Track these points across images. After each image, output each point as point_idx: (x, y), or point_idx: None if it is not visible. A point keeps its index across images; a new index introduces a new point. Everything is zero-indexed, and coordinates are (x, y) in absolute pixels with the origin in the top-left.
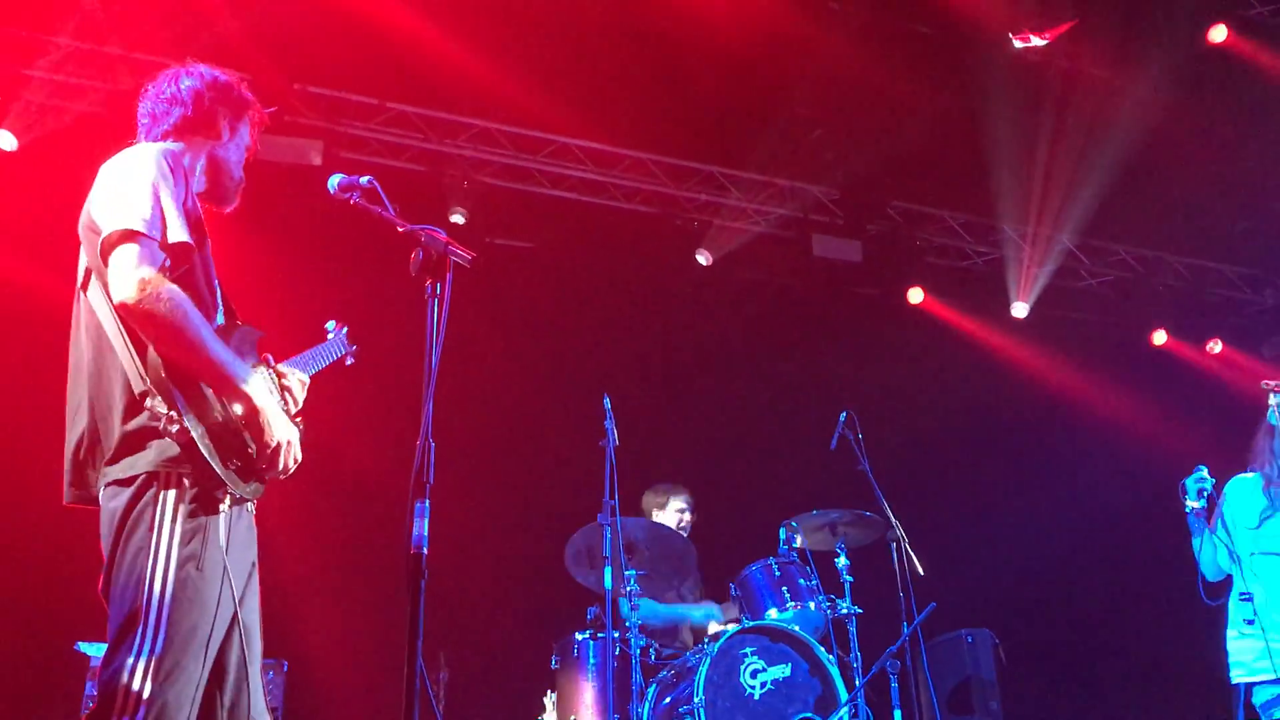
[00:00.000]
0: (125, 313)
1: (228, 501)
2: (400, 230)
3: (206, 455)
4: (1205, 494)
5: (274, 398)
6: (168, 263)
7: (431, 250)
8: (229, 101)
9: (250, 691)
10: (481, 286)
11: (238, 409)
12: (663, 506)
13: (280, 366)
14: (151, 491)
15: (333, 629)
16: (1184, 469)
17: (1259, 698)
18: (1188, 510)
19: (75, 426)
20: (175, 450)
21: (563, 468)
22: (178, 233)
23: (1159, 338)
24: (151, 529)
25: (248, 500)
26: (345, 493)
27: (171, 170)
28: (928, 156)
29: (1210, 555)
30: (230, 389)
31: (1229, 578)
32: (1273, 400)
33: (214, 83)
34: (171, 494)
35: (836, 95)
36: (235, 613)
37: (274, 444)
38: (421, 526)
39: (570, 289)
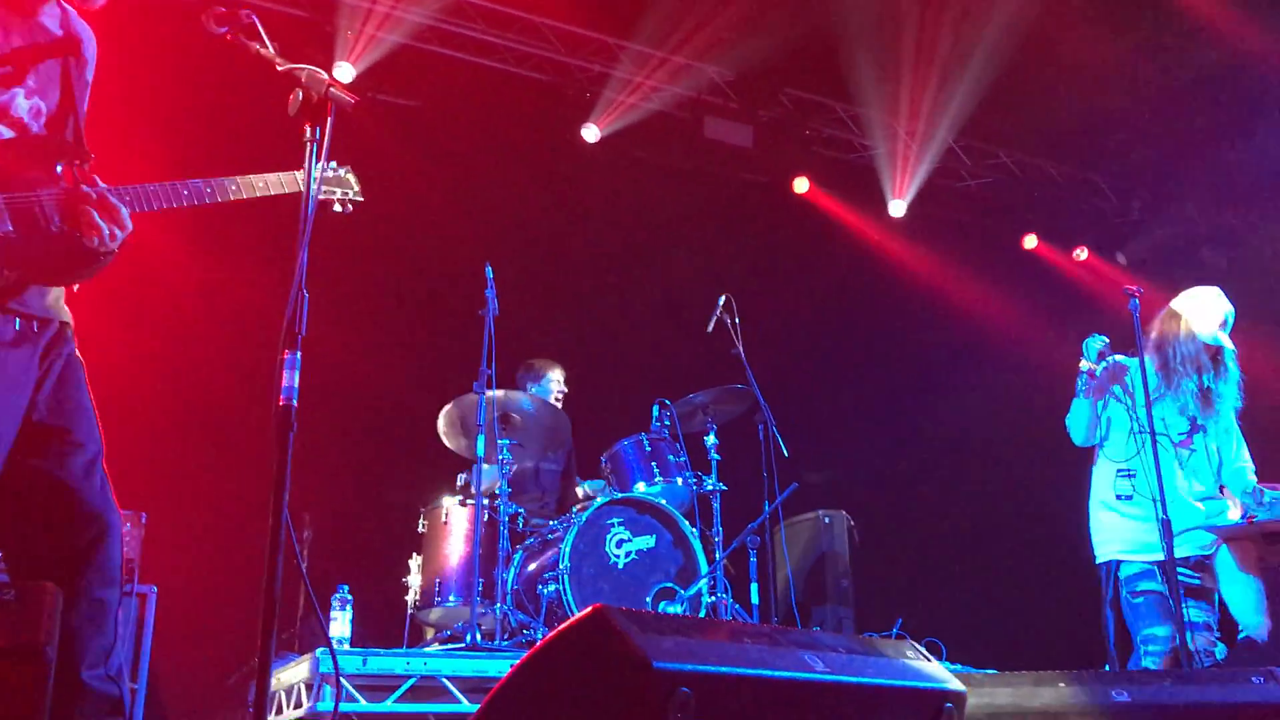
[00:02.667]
0: None
1: None
2: (279, 69)
3: None
4: (1105, 357)
5: None
6: None
7: (312, 91)
8: None
9: (74, 491)
10: (364, 144)
11: None
12: (538, 379)
13: (90, 190)
14: None
15: (196, 482)
16: (1043, 367)
17: (1125, 571)
18: (1083, 369)
19: None
20: None
21: (440, 334)
22: None
23: (1030, 241)
24: None
25: None
26: (215, 342)
27: None
28: (823, 46)
29: (1085, 419)
30: None
31: (1091, 450)
32: (1132, 305)
33: None
34: None
35: None
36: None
37: None
38: (292, 378)
39: (456, 153)
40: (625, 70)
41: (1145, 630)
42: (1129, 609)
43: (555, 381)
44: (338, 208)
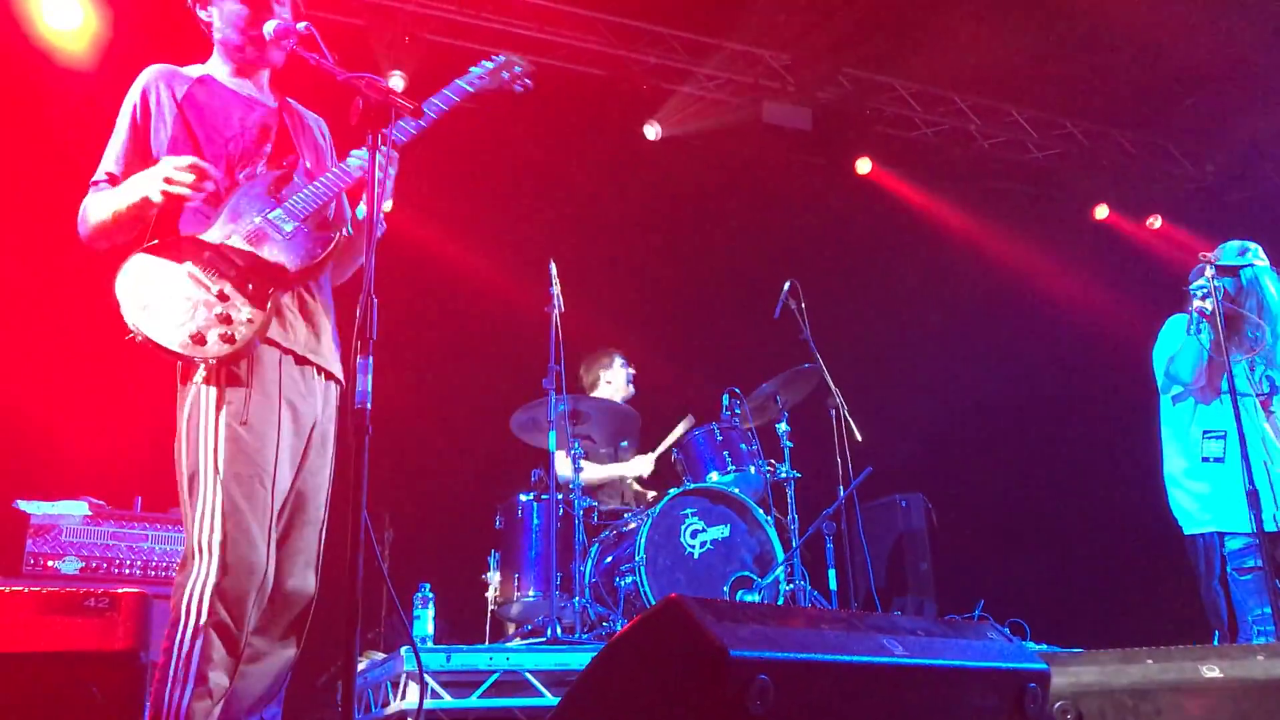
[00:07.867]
0: None
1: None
2: (340, 79)
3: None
4: (1211, 296)
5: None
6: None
7: (373, 98)
8: None
9: None
10: (421, 148)
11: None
12: (608, 367)
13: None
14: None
15: None
16: (1117, 337)
17: (1230, 546)
18: (1194, 309)
19: None
20: None
21: (508, 332)
22: (106, 166)
23: (1101, 212)
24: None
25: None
26: None
27: (141, 95)
28: (881, 22)
29: (1193, 357)
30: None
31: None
32: (1209, 271)
33: None
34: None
35: None
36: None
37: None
38: (365, 382)
39: (514, 153)
40: (681, 60)
41: (1256, 610)
42: (1236, 586)
43: (621, 364)
44: (518, 87)
